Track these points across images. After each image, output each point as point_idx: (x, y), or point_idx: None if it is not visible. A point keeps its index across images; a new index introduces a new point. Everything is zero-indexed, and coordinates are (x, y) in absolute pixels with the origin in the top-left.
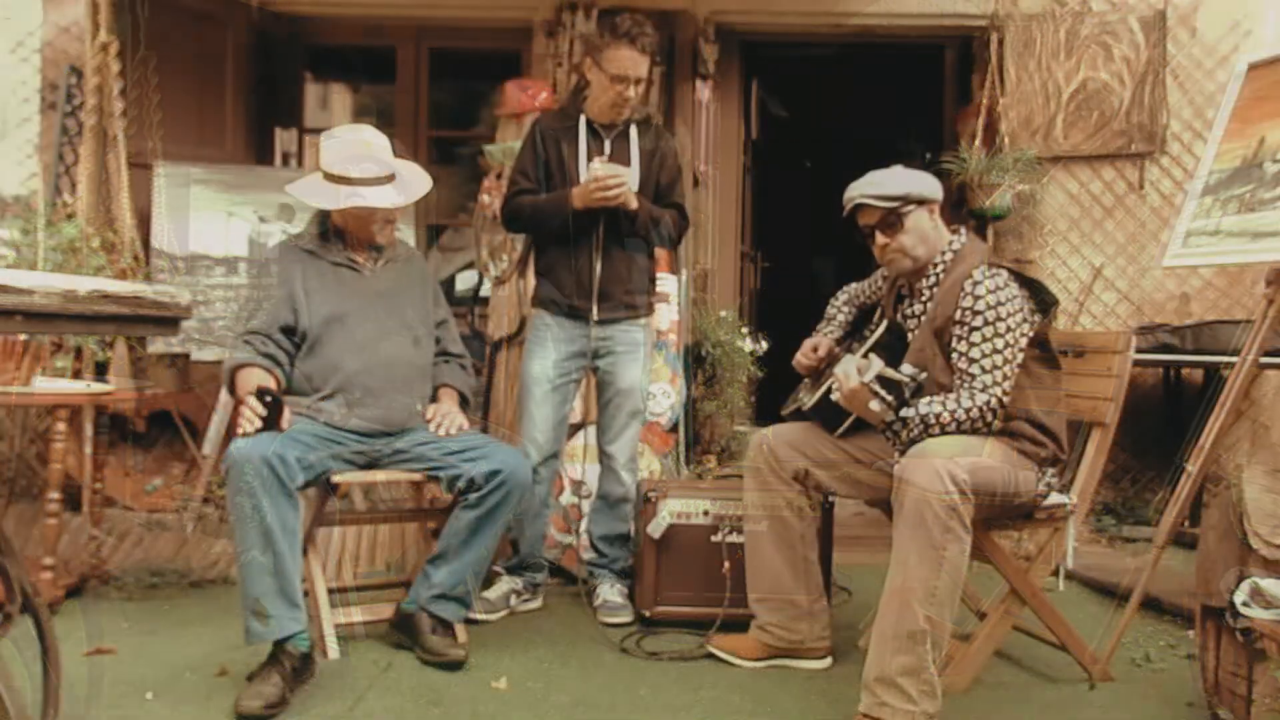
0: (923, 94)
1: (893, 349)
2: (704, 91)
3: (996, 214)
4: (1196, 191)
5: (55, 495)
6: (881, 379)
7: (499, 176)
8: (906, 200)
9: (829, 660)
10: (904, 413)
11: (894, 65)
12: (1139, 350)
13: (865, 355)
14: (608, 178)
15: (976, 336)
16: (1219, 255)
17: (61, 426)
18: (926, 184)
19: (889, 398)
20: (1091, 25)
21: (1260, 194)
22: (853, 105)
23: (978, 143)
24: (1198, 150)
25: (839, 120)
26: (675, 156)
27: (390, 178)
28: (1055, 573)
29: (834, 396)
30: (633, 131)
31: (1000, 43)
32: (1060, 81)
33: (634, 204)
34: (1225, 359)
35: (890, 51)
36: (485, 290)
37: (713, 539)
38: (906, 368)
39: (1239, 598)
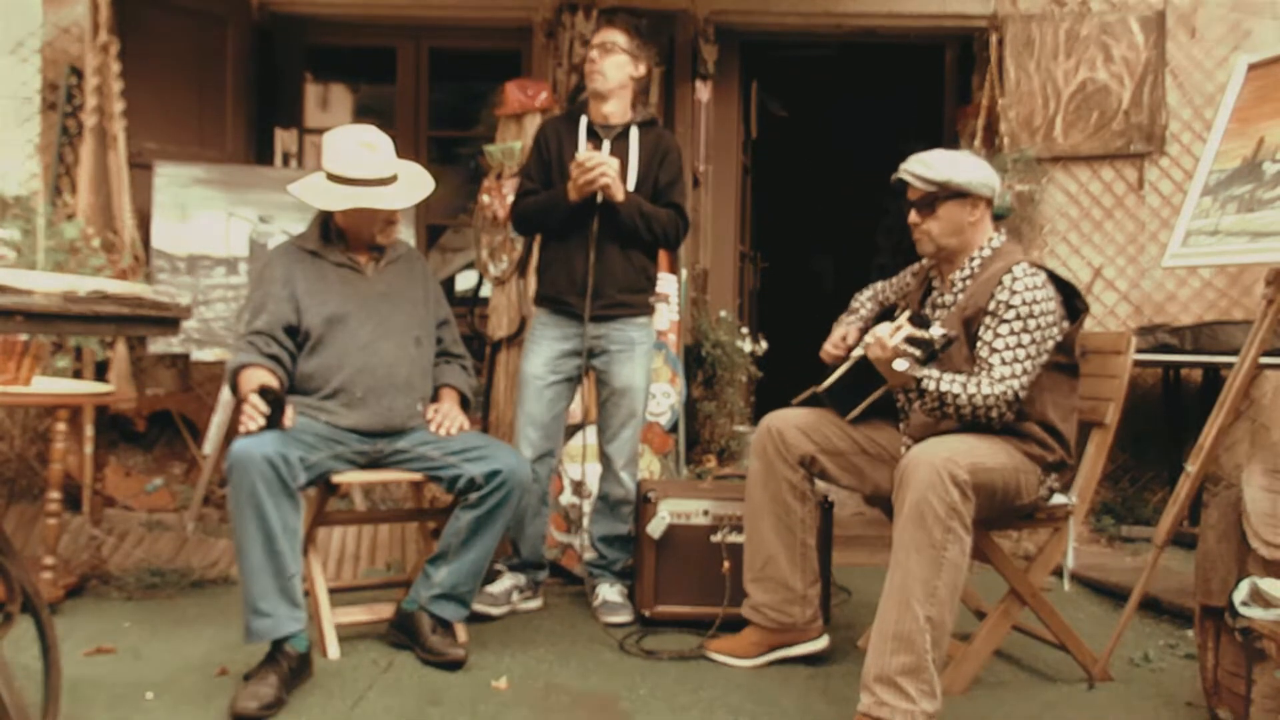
0: (923, 94)
1: None
2: (704, 91)
3: (997, 214)
4: (1196, 191)
5: (55, 495)
6: (910, 339)
7: (499, 176)
8: (944, 188)
9: (825, 640)
10: (923, 381)
11: (894, 65)
12: (1139, 350)
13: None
14: (586, 160)
15: (1005, 329)
16: (1219, 255)
17: (61, 426)
18: (975, 177)
19: (916, 353)
20: (1091, 25)
21: (1260, 194)
22: (852, 105)
23: (978, 143)
24: (1198, 150)
25: (839, 120)
26: (678, 157)
27: (392, 178)
28: (1056, 573)
29: (865, 350)
30: (633, 132)
31: (1000, 42)
32: (1060, 81)
33: (619, 195)
34: (1225, 359)
35: (890, 51)
36: (485, 290)
37: (712, 539)
38: (936, 329)
39: (1239, 598)
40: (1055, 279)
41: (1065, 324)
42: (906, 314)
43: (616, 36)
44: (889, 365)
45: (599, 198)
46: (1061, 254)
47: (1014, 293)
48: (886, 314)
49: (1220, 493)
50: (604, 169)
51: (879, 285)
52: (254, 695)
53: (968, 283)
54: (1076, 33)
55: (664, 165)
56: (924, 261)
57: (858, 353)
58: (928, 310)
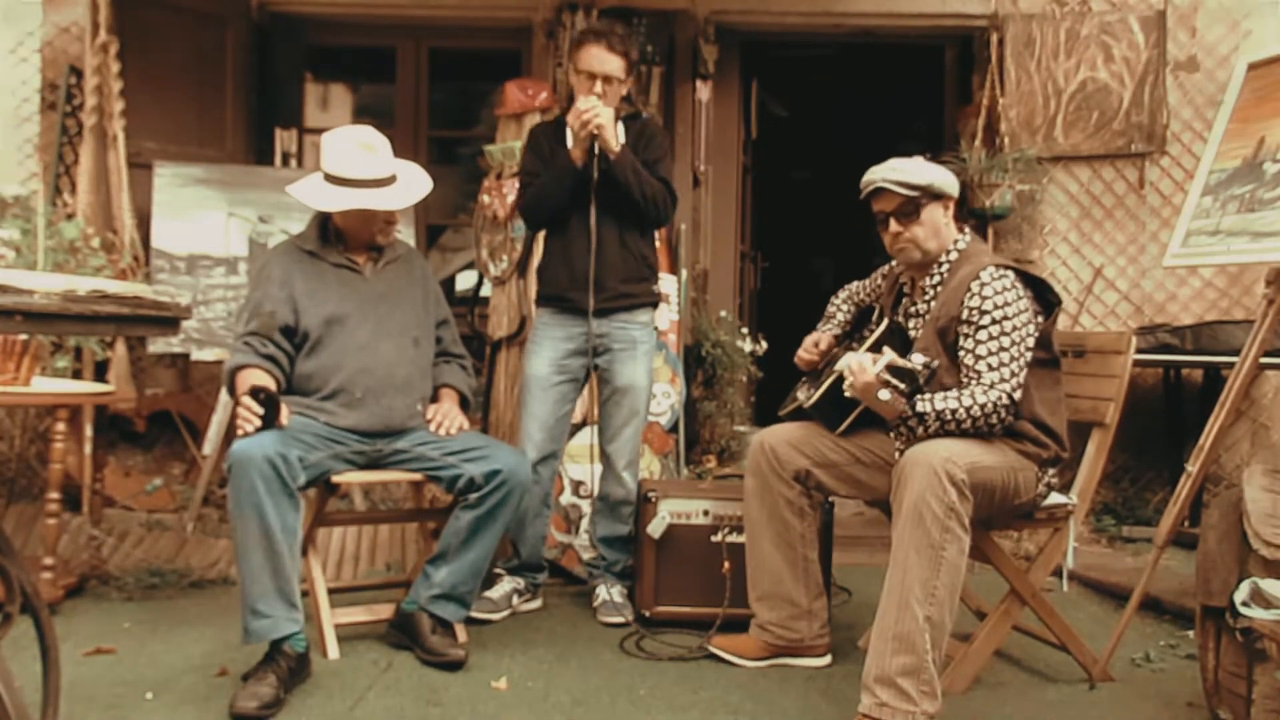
0: (923, 94)
1: (894, 347)
2: (704, 91)
3: (997, 214)
4: (1197, 191)
5: (55, 495)
6: (892, 368)
7: (499, 176)
8: (927, 192)
9: (828, 658)
10: (919, 408)
11: (894, 65)
12: (1139, 350)
13: (873, 349)
14: (582, 108)
15: (983, 335)
16: (1219, 255)
17: (61, 426)
18: (947, 179)
19: (901, 386)
20: (1091, 25)
21: (1260, 194)
22: (852, 105)
23: (978, 142)
24: (1198, 150)
25: (839, 120)
26: (662, 139)
27: (391, 179)
28: (1056, 573)
29: (846, 390)
30: (619, 126)
31: (1000, 42)
32: (1060, 81)
33: (614, 145)
34: (1225, 359)
35: (890, 51)
36: (485, 290)
37: (712, 539)
38: (917, 357)
39: (1239, 598)
40: (1024, 276)
41: (1040, 319)
42: (885, 324)
43: (618, 69)
44: (873, 395)
45: (595, 176)
46: (1062, 253)
47: (984, 298)
48: (864, 315)
49: (1221, 493)
50: (597, 110)
51: (854, 286)
52: (254, 695)
53: (938, 290)
54: (1077, 32)
55: (649, 146)
56: (893, 264)
57: (840, 365)
58: (900, 318)
